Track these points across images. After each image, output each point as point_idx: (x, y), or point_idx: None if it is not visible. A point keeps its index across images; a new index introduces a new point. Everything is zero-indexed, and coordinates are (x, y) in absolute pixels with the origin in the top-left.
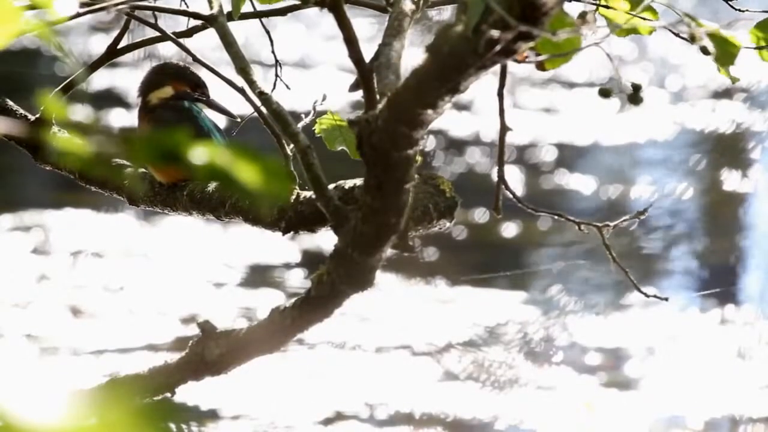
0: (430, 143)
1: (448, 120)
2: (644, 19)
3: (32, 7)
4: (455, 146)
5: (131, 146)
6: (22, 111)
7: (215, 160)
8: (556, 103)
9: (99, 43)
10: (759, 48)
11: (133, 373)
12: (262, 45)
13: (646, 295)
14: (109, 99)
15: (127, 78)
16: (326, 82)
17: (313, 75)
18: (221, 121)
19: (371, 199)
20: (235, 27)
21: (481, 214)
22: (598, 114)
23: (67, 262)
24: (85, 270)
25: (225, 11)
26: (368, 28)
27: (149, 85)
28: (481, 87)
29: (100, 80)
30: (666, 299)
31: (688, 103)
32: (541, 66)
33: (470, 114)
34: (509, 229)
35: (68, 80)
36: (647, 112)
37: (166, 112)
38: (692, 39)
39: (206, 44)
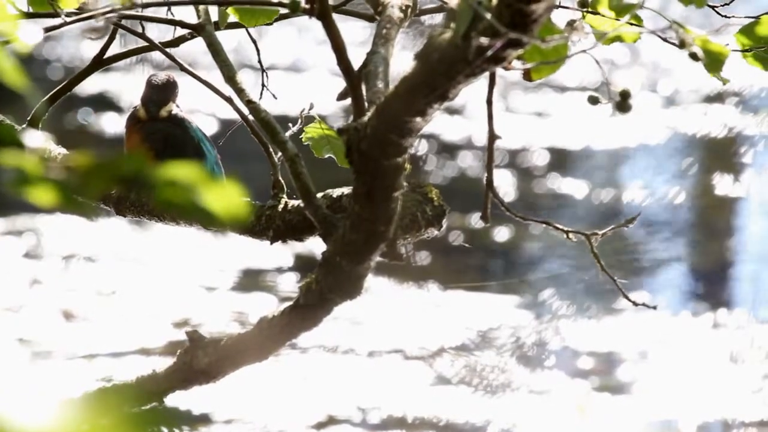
0: (422, 147)
1: (440, 124)
2: (632, 24)
3: (27, 15)
4: (447, 150)
5: (85, 175)
6: (7, 121)
7: (174, 185)
8: (548, 107)
9: (90, 49)
10: (744, 51)
11: (121, 382)
12: (254, 49)
13: (635, 304)
14: (101, 103)
15: (118, 83)
16: (318, 86)
17: (305, 79)
18: (209, 130)
19: (360, 207)
20: (226, 32)
21: (473, 219)
22: (590, 118)
23: (60, 267)
24: (78, 274)
25: (212, 20)
26: (360, 32)
27: (161, 102)
28: (473, 91)
29: (92, 85)
30: (654, 307)
31: (680, 107)
32: (527, 76)
33: (462, 118)
34: (501, 234)
35: (57, 89)
36: (639, 116)
37: (159, 123)
38: (682, 45)
39: (197, 49)
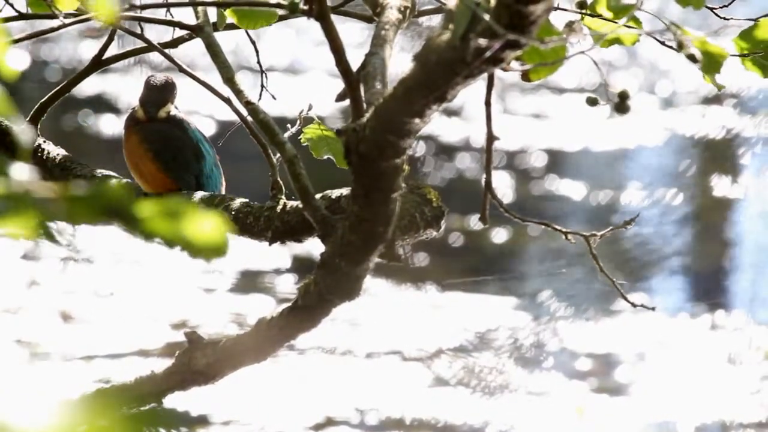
0: (420, 149)
1: (438, 125)
2: (630, 26)
3: (19, 17)
4: (446, 152)
5: (70, 202)
6: (6, 122)
7: (157, 217)
8: (546, 108)
9: (89, 50)
10: (743, 56)
11: (120, 384)
12: (252, 51)
13: (633, 305)
14: (99, 105)
15: (117, 84)
16: (316, 87)
17: (304, 80)
18: (208, 131)
19: (358, 208)
20: (225, 33)
21: (471, 220)
22: (588, 119)
23: (58, 268)
24: (76, 275)
25: (211, 21)
26: (358, 34)
27: (160, 103)
28: (472, 93)
29: (91, 86)
30: (653, 309)
31: (678, 108)
32: (526, 76)
33: (460, 120)
34: (499, 235)
35: (55, 90)
36: (637, 117)
37: (157, 124)
38: (679, 47)
39: (196, 50)
